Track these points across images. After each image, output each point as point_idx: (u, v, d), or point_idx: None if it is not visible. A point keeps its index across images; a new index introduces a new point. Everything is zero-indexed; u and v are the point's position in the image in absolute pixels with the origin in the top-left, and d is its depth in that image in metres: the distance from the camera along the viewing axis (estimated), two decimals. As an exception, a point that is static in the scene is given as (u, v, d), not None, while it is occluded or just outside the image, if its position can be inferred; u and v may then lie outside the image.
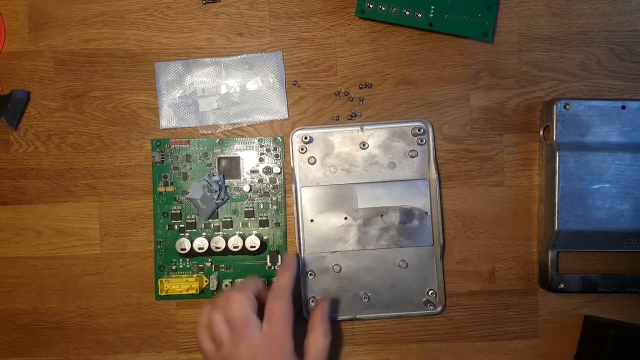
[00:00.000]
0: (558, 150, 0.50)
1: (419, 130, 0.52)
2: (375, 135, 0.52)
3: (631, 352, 0.49)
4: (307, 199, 0.52)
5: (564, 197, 0.50)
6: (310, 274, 0.52)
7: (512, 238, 0.54)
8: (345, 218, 0.52)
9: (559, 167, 0.50)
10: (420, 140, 0.52)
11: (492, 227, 0.54)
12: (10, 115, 0.52)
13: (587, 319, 0.53)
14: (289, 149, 0.53)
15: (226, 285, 0.52)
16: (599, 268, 0.54)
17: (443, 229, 0.53)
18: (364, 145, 0.52)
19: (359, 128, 0.52)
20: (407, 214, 0.52)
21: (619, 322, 0.52)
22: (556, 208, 0.50)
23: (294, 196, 0.52)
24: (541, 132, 0.53)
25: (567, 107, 0.51)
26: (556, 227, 0.50)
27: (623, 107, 0.51)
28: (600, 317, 0.53)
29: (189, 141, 0.53)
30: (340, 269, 0.52)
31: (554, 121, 0.51)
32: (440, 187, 0.53)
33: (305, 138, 0.52)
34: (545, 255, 0.52)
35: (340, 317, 0.52)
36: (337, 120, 0.53)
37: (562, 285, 0.52)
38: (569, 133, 0.51)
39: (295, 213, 0.52)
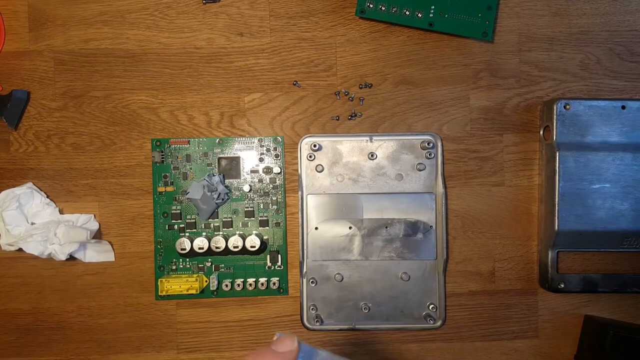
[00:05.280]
0: (558, 150, 0.50)
1: (428, 144, 0.52)
2: (384, 147, 0.52)
3: (631, 352, 0.49)
4: (313, 207, 0.52)
5: (564, 197, 0.50)
6: (311, 282, 0.52)
7: (512, 238, 0.54)
8: (350, 228, 0.52)
9: (559, 167, 0.50)
10: (429, 154, 0.52)
11: (492, 227, 0.54)
12: (10, 115, 0.52)
13: (587, 319, 0.53)
14: (296, 154, 0.53)
15: (226, 286, 0.52)
16: (599, 268, 0.54)
17: (447, 244, 0.53)
18: (372, 155, 0.52)
19: (368, 138, 0.52)
20: (412, 227, 0.52)
21: (619, 322, 0.52)
22: (556, 208, 0.50)
23: (299, 203, 0.52)
24: (541, 132, 0.53)
25: (567, 107, 0.51)
26: (556, 227, 0.50)
27: (623, 107, 0.51)
28: (600, 317, 0.53)
29: (189, 141, 0.53)
30: (342, 278, 0.52)
31: (554, 121, 0.51)
32: (446, 202, 0.53)
33: (314, 146, 0.52)
34: (545, 255, 0.52)
35: (339, 327, 0.52)
36: (337, 120, 0.53)
37: (562, 285, 0.52)
38: (569, 133, 0.51)
39: (299, 220, 0.52)
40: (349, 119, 0.53)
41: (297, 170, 0.53)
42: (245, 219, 0.53)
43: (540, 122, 0.53)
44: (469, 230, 0.54)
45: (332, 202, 0.52)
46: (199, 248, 0.51)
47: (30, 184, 0.52)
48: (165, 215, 0.53)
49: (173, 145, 0.53)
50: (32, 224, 0.51)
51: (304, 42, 0.53)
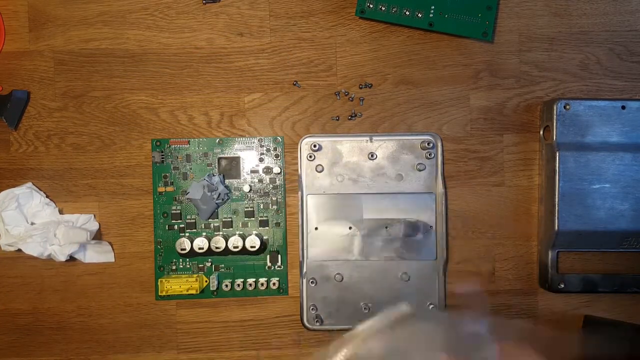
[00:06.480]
0: (558, 150, 0.50)
1: (428, 144, 0.52)
2: (384, 147, 0.52)
3: (631, 352, 0.49)
4: (313, 207, 0.52)
5: (564, 197, 0.50)
6: (311, 282, 0.52)
7: (512, 238, 0.54)
8: (350, 228, 0.52)
9: (559, 167, 0.50)
10: (429, 154, 0.52)
11: (492, 227, 0.54)
12: (10, 115, 0.52)
13: (587, 319, 0.53)
14: (296, 154, 0.53)
15: (226, 286, 0.52)
16: (599, 268, 0.54)
17: (447, 244, 0.53)
18: (372, 155, 0.52)
19: (368, 138, 0.52)
20: (412, 227, 0.52)
21: (619, 322, 0.52)
22: (556, 208, 0.50)
23: (299, 203, 0.52)
24: (541, 132, 0.53)
25: (567, 107, 0.51)
26: (556, 227, 0.50)
27: (623, 107, 0.51)
28: (600, 317, 0.53)
29: (189, 141, 0.53)
30: (342, 279, 0.52)
31: (554, 121, 0.51)
32: (446, 202, 0.53)
33: (314, 146, 0.52)
34: (545, 255, 0.52)
35: (339, 327, 0.52)
36: (337, 120, 0.53)
37: (562, 285, 0.52)
38: (569, 133, 0.51)
39: (299, 220, 0.52)
40: (349, 119, 0.53)
41: (297, 170, 0.53)
42: (245, 219, 0.53)
43: (540, 122, 0.53)
44: (469, 230, 0.54)
45: (332, 202, 0.52)
46: (199, 248, 0.51)
47: (29, 184, 0.52)
48: (165, 215, 0.53)
49: (173, 145, 0.53)
50: (32, 224, 0.51)
51: (304, 42, 0.53)
